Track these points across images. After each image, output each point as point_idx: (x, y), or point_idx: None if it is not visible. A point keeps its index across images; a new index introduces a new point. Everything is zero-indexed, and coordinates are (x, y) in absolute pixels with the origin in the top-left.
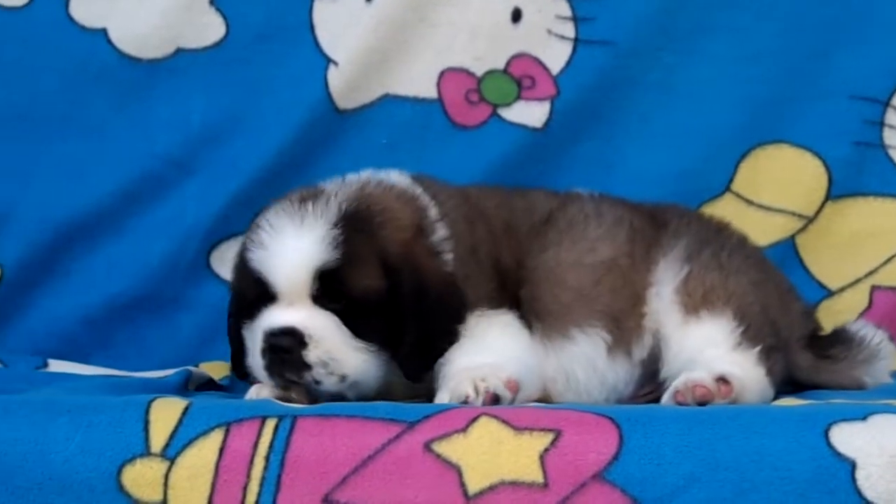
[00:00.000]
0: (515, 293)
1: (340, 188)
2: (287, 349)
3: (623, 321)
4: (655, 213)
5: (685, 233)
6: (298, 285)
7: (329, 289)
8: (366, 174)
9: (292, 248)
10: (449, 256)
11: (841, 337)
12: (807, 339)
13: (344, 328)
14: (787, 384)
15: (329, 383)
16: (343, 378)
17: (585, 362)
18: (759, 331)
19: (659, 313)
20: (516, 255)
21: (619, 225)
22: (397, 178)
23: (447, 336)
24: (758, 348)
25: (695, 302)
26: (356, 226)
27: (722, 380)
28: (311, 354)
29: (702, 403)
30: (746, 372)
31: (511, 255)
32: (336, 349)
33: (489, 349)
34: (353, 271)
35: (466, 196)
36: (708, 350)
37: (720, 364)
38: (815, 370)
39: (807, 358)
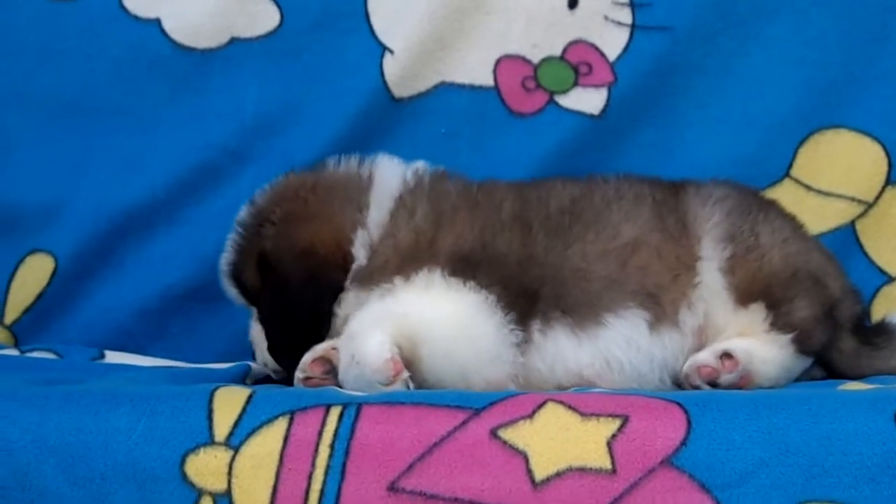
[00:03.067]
0: (511, 283)
1: (267, 188)
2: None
3: (662, 295)
4: (675, 182)
5: (722, 200)
6: (232, 292)
7: (245, 292)
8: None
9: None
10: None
11: (885, 328)
12: (853, 323)
13: (259, 327)
14: (820, 366)
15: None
16: (277, 373)
17: (625, 344)
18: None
19: (710, 293)
20: (525, 245)
21: (640, 202)
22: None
23: (306, 329)
24: (791, 335)
25: (741, 292)
26: (247, 227)
27: (725, 355)
28: (258, 358)
29: (712, 383)
30: (757, 346)
31: (515, 243)
32: (265, 350)
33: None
34: (244, 273)
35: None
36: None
37: (724, 342)
38: (856, 356)
39: (850, 342)
